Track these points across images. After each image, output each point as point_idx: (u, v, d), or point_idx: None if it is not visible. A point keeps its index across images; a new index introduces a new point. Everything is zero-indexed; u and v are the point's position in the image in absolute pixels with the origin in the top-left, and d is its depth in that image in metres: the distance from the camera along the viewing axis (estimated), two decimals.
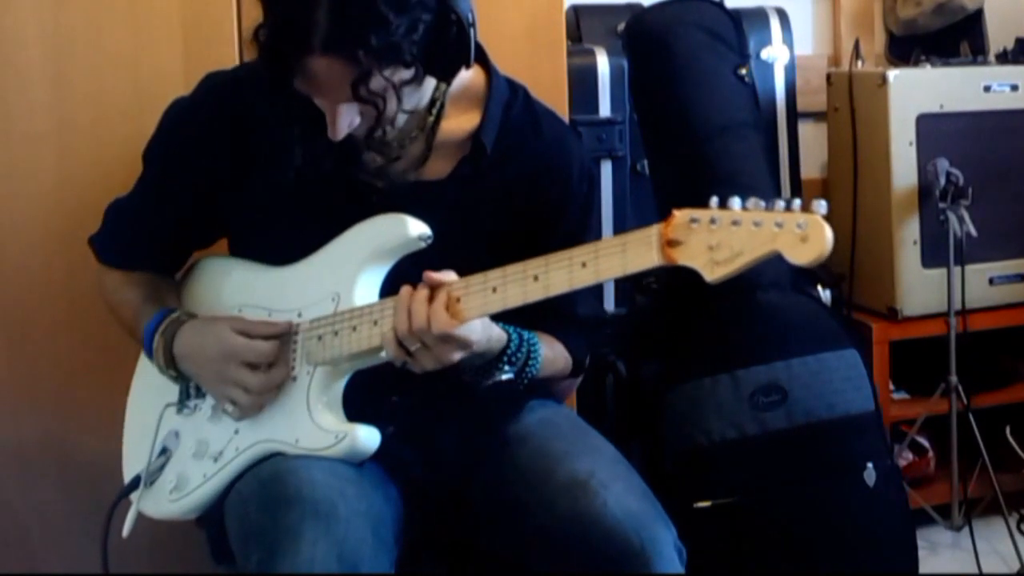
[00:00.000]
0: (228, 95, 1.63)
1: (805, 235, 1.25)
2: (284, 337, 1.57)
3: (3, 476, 2.03)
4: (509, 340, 1.55)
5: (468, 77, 1.64)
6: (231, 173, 1.62)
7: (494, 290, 1.43)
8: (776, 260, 1.27)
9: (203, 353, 1.59)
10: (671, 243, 1.32)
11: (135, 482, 1.65)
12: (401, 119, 1.52)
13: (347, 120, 1.48)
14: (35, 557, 2.04)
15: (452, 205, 1.61)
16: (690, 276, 1.31)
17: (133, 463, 1.69)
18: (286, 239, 1.61)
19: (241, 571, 1.46)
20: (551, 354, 1.64)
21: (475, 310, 1.44)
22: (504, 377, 1.56)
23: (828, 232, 1.25)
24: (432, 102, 1.60)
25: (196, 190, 1.65)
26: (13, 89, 1.97)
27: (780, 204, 1.27)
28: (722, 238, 1.29)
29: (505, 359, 1.55)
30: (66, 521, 2.04)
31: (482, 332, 1.49)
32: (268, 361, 1.55)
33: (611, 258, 1.37)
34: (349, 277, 1.55)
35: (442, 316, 1.43)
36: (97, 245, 1.75)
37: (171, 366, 1.62)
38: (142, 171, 1.71)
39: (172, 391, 1.67)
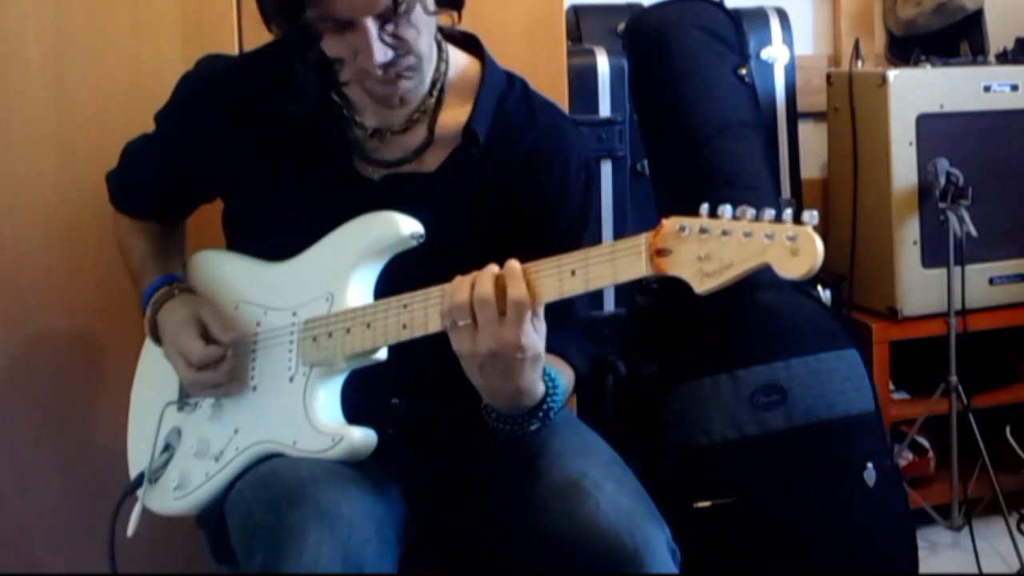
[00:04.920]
0: (229, 84, 1.65)
1: (795, 248, 1.21)
2: (241, 348, 1.59)
3: (3, 476, 2.03)
4: (547, 392, 1.48)
5: (463, 66, 1.64)
6: (228, 160, 1.64)
7: None
8: None
9: (167, 331, 1.63)
10: (660, 252, 1.29)
11: (139, 480, 1.65)
12: (424, 52, 1.51)
13: (382, 45, 1.46)
14: (35, 557, 2.04)
15: (448, 196, 1.60)
16: None
17: (138, 460, 1.70)
18: (283, 232, 1.61)
19: (244, 571, 1.46)
20: (565, 383, 1.58)
21: None
22: (533, 428, 1.51)
23: (819, 245, 1.21)
24: (432, 83, 1.60)
25: (194, 166, 1.68)
26: (13, 89, 1.97)
27: (770, 214, 1.24)
28: (712, 249, 1.26)
29: (541, 412, 1.49)
30: (66, 520, 2.04)
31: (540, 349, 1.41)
32: (203, 364, 1.58)
33: (601, 266, 1.35)
34: (342, 277, 1.55)
35: (522, 286, 1.37)
36: (112, 185, 1.80)
37: (154, 333, 1.66)
38: (154, 128, 1.75)
39: (172, 389, 1.67)
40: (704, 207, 1.28)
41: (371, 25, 1.44)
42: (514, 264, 1.39)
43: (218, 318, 1.61)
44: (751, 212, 1.26)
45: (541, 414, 1.49)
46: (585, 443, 1.61)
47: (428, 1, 1.48)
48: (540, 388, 1.47)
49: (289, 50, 1.53)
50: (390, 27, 1.46)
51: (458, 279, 1.41)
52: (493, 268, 1.40)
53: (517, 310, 1.37)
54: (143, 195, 1.77)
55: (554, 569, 1.49)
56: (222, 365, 1.58)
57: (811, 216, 1.23)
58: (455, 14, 1.58)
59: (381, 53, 1.46)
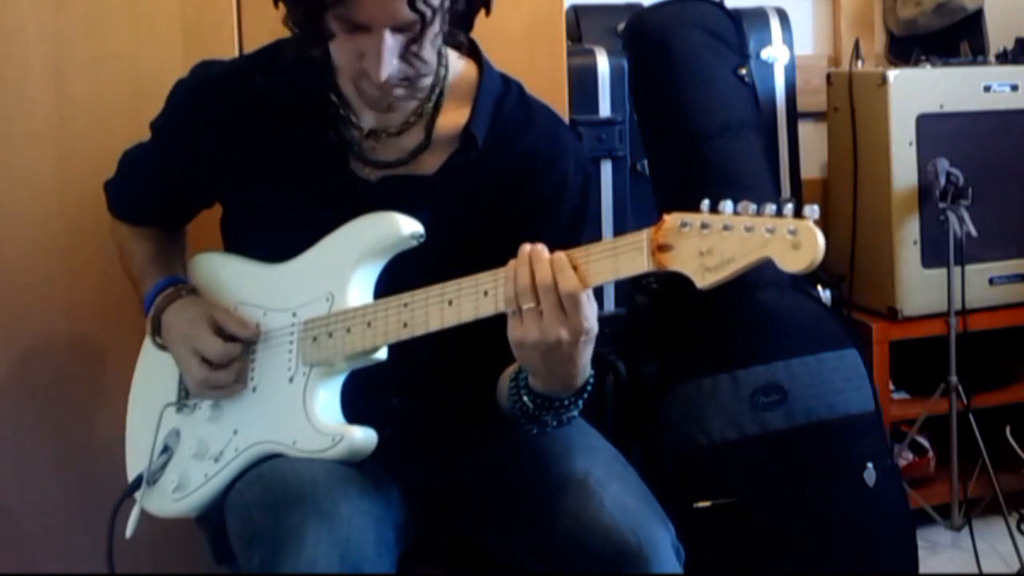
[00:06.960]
0: (224, 89, 1.64)
1: (797, 242, 1.23)
2: (245, 346, 1.60)
3: (3, 476, 2.03)
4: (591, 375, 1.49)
5: (461, 70, 1.64)
6: (226, 164, 1.64)
7: (485, 294, 1.42)
8: None
9: (175, 331, 1.63)
10: (662, 248, 1.30)
11: (137, 481, 1.65)
12: (427, 65, 1.51)
13: (392, 56, 1.45)
14: (35, 558, 2.04)
15: (445, 199, 1.60)
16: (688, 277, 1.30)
17: (136, 462, 1.70)
18: (280, 234, 1.61)
19: (244, 571, 1.46)
20: None
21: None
22: (574, 413, 1.52)
23: (820, 239, 1.23)
24: (432, 87, 1.60)
25: (192, 172, 1.67)
26: (13, 89, 1.97)
27: (771, 209, 1.25)
28: (713, 244, 1.27)
29: (585, 393, 1.50)
30: (66, 521, 2.04)
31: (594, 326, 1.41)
32: (218, 361, 1.58)
33: (602, 262, 1.35)
34: (342, 277, 1.55)
35: (571, 275, 1.37)
36: (110, 194, 1.80)
37: (157, 334, 1.66)
38: (150, 135, 1.74)
39: (171, 390, 1.67)
40: (705, 203, 1.29)
41: (387, 36, 1.44)
42: (561, 256, 1.38)
43: (233, 316, 1.61)
44: (752, 207, 1.27)
45: (585, 395, 1.49)
46: (588, 442, 1.62)
47: (444, 22, 1.48)
48: (590, 363, 1.46)
49: (297, 45, 1.53)
50: (403, 40, 1.45)
51: (512, 263, 1.40)
52: (545, 253, 1.39)
53: (572, 299, 1.36)
54: (142, 203, 1.77)
55: (557, 568, 1.49)
56: (234, 364, 1.59)
57: (812, 210, 1.24)
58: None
59: (388, 66, 1.45)
